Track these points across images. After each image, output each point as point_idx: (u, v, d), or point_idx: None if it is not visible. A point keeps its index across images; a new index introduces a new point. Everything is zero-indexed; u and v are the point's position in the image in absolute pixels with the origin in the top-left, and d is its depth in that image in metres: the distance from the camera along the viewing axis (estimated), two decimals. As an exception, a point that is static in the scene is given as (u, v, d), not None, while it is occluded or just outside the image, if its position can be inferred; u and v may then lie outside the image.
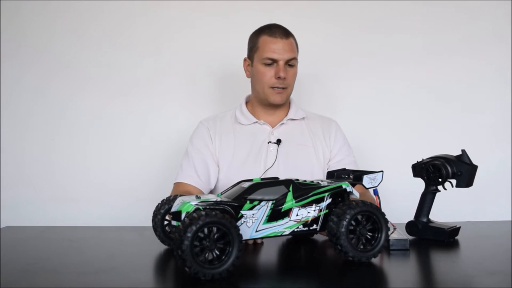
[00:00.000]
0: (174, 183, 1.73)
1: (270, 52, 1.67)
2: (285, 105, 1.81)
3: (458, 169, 1.28)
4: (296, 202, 1.05)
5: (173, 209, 1.03)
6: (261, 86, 1.72)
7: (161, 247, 1.20)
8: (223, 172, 1.71)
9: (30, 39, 2.25)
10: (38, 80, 2.25)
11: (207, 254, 0.91)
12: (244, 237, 0.98)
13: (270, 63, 1.68)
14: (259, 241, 1.24)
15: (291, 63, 1.70)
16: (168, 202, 1.18)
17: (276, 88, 1.70)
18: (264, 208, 1.02)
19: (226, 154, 1.72)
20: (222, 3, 2.26)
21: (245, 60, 1.80)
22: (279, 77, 1.67)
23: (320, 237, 1.29)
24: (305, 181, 1.11)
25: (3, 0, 2.24)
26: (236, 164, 1.70)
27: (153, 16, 2.27)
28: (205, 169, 1.71)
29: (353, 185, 1.13)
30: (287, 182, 1.07)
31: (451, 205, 1.83)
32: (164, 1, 2.26)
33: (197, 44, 2.26)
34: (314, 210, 1.07)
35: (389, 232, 1.07)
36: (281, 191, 1.05)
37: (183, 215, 0.98)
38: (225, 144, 1.74)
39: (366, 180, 1.16)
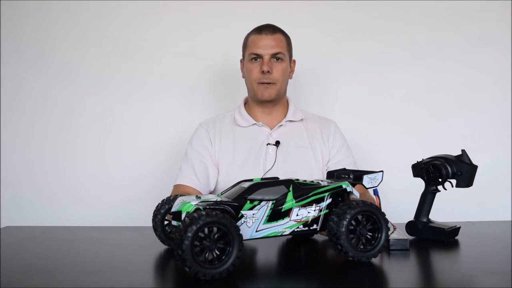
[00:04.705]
0: (174, 186, 1.73)
1: (255, 47, 1.69)
2: (282, 105, 1.81)
3: (458, 169, 1.28)
4: (296, 202, 1.05)
5: (173, 209, 1.03)
6: (250, 82, 1.74)
7: (161, 247, 1.20)
8: (223, 174, 1.71)
9: (32, 40, 2.25)
10: (38, 80, 2.25)
11: (207, 254, 0.91)
12: (244, 237, 0.98)
13: (256, 59, 1.70)
14: None
15: (278, 56, 1.70)
16: (168, 202, 1.18)
17: (263, 83, 1.70)
18: (264, 208, 1.02)
19: (226, 156, 1.72)
20: (222, 3, 2.26)
21: (240, 61, 1.81)
22: (263, 71, 1.68)
23: (320, 237, 1.29)
24: (305, 181, 1.11)
25: (3, 0, 2.24)
26: (236, 166, 1.70)
27: (153, 19, 2.26)
28: (204, 172, 1.71)
29: (353, 185, 1.13)
30: (287, 182, 1.06)
31: (451, 205, 1.83)
32: (164, 1, 2.26)
33: (197, 45, 2.26)
34: (314, 210, 1.07)
35: (389, 232, 1.07)
36: (281, 191, 1.05)
37: (183, 215, 0.98)
38: (224, 146, 1.74)
39: (366, 180, 1.16)
